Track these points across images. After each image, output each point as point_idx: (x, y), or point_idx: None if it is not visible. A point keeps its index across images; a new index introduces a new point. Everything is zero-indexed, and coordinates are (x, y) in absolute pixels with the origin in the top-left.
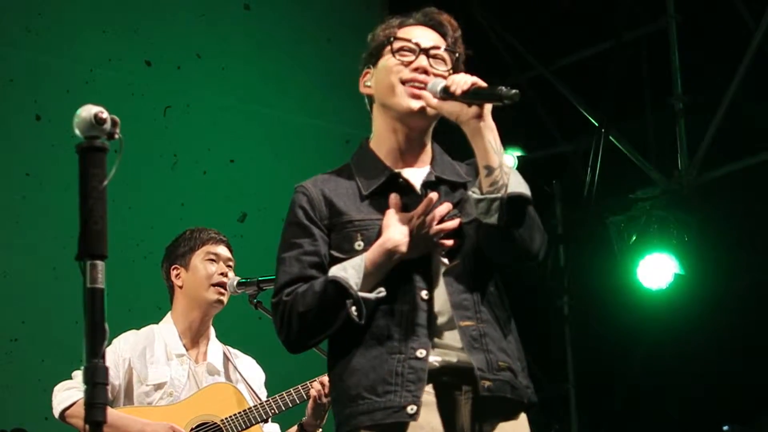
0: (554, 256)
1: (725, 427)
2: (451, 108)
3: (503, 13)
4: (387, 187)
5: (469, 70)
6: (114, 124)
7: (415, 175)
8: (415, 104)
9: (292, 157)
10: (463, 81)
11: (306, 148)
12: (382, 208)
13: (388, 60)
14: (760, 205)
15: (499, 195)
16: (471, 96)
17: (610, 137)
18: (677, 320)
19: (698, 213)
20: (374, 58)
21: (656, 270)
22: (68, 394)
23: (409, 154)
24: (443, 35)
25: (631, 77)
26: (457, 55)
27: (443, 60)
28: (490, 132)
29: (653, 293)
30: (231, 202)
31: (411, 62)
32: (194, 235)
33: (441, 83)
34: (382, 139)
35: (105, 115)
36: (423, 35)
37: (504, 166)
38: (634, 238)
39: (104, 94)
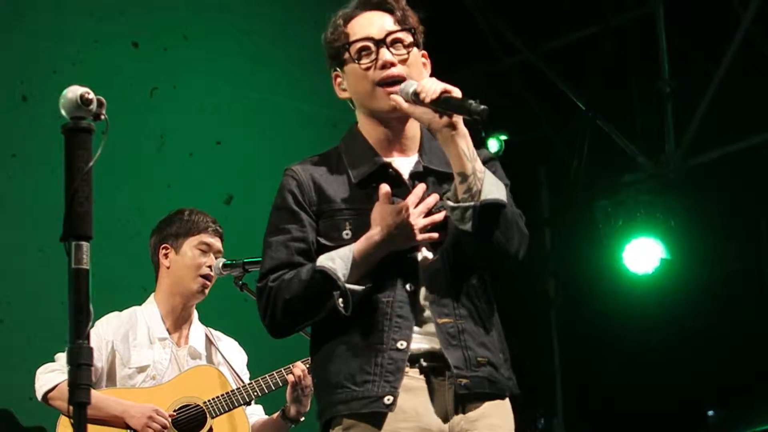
0: (540, 240)
1: (710, 412)
2: (422, 114)
3: None
4: (376, 177)
5: (459, 56)
6: (100, 104)
7: (404, 164)
8: (388, 103)
9: (279, 139)
10: (432, 89)
11: (293, 131)
12: (371, 198)
13: (353, 67)
14: (745, 190)
15: (472, 203)
16: (440, 105)
17: (597, 121)
18: (663, 305)
19: (685, 198)
20: (337, 61)
21: (642, 254)
22: (51, 376)
23: (396, 142)
24: (390, 12)
25: (618, 61)
26: (412, 30)
27: (401, 41)
28: (462, 139)
29: (639, 278)
30: (217, 184)
31: (375, 60)
32: (192, 219)
33: (412, 86)
34: (370, 129)
35: (91, 95)
36: (371, 24)
37: (477, 172)
38: (620, 222)
39: (91, 76)
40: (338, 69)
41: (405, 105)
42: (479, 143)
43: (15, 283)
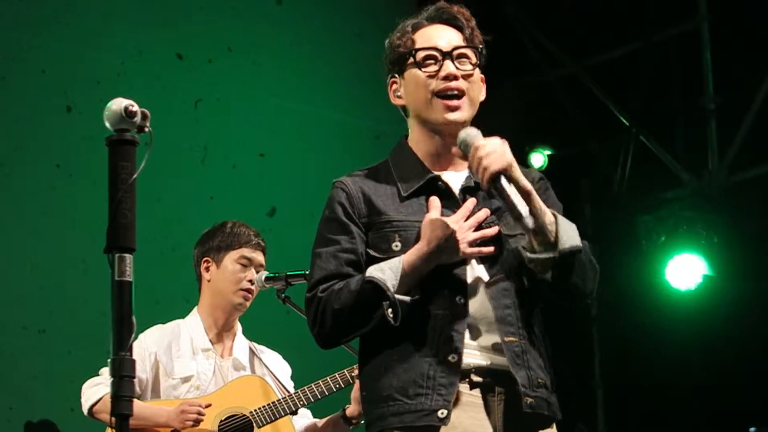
0: None
1: (752, 429)
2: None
3: (534, 11)
4: (426, 190)
5: (501, 70)
6: (144, 117)
7: (454, 178)
8: (452, 116)
9: (322, 152)
10: (482, 170)
11: (336, 144)
12: (421, 210)
13: (415, 73)
14: None
15: (550, 255)
16: (493, 189)
17: (640, 137)
18: (706, 321)
19: (727, 214)
20: (398, 67)
21: (685, 270)
22: (95, 390)
23: (447, 157)
24: (459, 29)
25: (661, 77)
26: (479, 49)
27: (467, 57)
28: (529, 194)
29: (682, 294)
30: (260, 196)
31: (438, 71)
32: (234, 232)
33: (473, 140)
34: (421, 142)
35: (135, 108)
36: (440, 36)
37: (547, 224)
38: (662, 238)
39: (135, 87)
40: (397, 75)
41: (459, 154)
42: (524, 158)
43: (57, 293)
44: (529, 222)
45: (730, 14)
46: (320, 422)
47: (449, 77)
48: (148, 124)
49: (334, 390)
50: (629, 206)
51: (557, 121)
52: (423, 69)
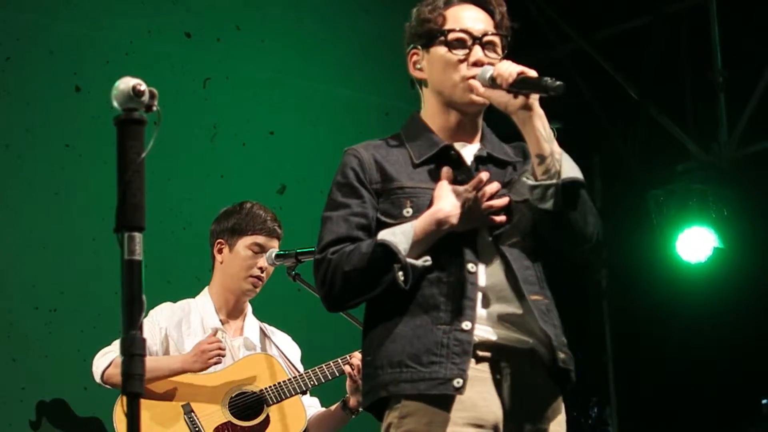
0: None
1: (764, 401)
2: (499, 98)
3: None
4: (438, 158)
5: (512, 45)
6: (152, 96)
7: (467, 150)
8: (478, 98)
9: (332, 129)
10: (507, 72)
11: (345, 121)
12: (433, 178)
13: (444, 53)
14: None
15: (553, 182)
16: (516, 86)
17: (649, 111)
18: (716, 294)
19: (737, 187)
20: (423, 41)
21: (696, 243)
22: (106, 358)
23: (460, 131)
24: (491, 13)
25: (670, 51)
26: (507, 37)
27: (494, 44)
28: (539, 120)
29: (692, 267)
30: (270, 174)
31: (467, 55)
32: (251, 215)
33: (489, 72)
34: (435, 117)
35: (143, 87)
36: (472, 19)
37: (555, 153)
38: (673, 211)
39: (144, 66)
40: (420, 48)
41: (482, 90)
42: None
43: (68, 273)
44: (555, 81)
45: None
46: (328, 410)
47: (477, 63)
48: (156, 103)
49: (345, 372)
50: (639, 180)
51: (567, 96)
52: (453, 51)
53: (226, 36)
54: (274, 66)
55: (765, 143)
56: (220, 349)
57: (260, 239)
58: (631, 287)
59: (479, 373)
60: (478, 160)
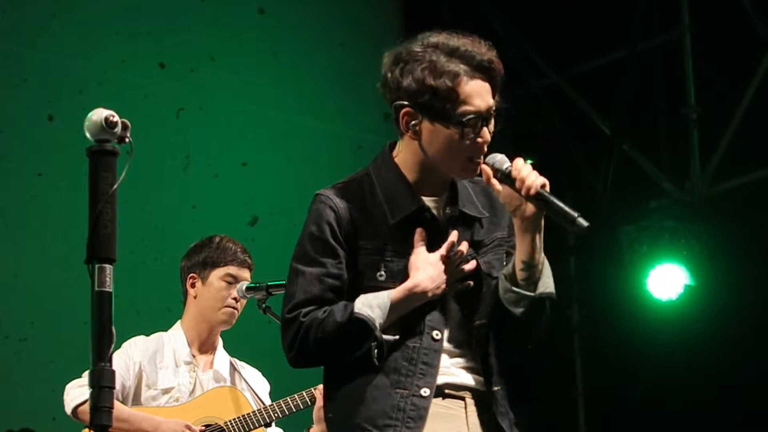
0: (565, 265)
1: None
2: (508, 195)
3: (518, 21)
4: (412, 219)
5: None
6: (125, 127)
7: (439, 204)
8: (472, 174)
9: (304, 161)
10: (531, 181)
11: (318, 153)
12: (407, 240)
13: (450, 132)
14: None
15: (531, 294)
16: (538, 202)
17: (623, 147)
18: (687, 331)
19: (710, 224)
20: (428, 113)
21: (667, 280)
22: (81, 391)
23: (435, 184)
24: (495, 85)
25: (644, 87)
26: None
27: (493, 116)
28: (539, 233)
29: (663, 304)
30: (242, 206)
31: (474, 134)
32: (221, 248)
33: (505, 164)
34: (412, 170)
35: (116, 118)
36: (483, 96)
37: (539, 263)
38: (644, 248)
39: (117, 96)
40: (419, 113)
41: (494, 181)
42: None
43: (38, 302)
44: (583, 222)
45: (713, 25)
46: None
47: (485, 144)
48: (128, 135)
49: (309, 404)
50: (612, 216)
51: (541, 131)
52: (465, 131)
53: (200, 67)
54: (247, 97)
55: (738, 180)
56: None
57: (233, 270)
58: (602, 323)
59: (443, 409)
60: (450, 220)
